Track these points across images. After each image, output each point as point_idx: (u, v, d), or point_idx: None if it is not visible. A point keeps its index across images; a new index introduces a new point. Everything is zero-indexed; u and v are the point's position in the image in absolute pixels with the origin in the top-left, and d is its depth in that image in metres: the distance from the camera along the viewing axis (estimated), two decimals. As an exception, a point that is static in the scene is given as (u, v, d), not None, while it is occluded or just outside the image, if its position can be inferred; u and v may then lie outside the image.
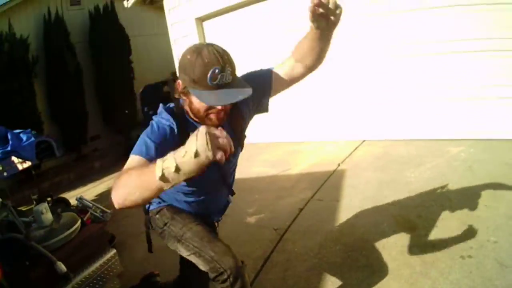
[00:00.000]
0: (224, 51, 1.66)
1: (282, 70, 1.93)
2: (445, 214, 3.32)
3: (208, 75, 1.58)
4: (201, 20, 7.59)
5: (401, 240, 3.04)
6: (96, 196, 6.61)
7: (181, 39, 7.84)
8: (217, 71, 1.58)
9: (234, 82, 1.65)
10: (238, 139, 1.95)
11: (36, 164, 7.49)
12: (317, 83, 5.76)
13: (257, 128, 7.03)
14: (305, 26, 1.67)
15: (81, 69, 10.09)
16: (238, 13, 7.09)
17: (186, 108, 1.83)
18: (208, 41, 7.47)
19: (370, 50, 5.72)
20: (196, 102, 1.71)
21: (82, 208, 4.75)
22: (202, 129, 1.14)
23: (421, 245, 2.91)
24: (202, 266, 1.96)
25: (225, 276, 1.86)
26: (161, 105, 1.89)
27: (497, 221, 3.02)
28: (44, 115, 9.36)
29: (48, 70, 9.46)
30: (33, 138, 6.51)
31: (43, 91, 9.43)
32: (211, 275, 1.92)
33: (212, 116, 1.73)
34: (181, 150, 1.18)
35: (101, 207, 4.92)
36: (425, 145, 5.17)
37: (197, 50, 1.62)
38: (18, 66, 8.52)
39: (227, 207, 2.34)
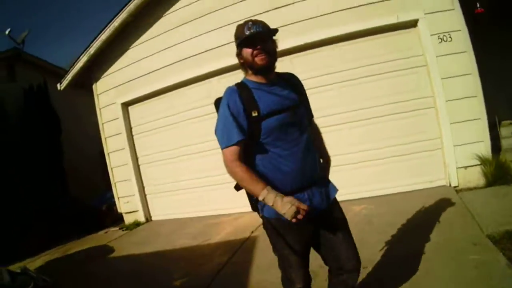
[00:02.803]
0: (261, 20, 2.22)
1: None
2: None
3: (245, 27, 2.13)
4: (126, 105, 7.92)
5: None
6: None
7: (109, 122, 8.10)
8: (250, 23, 2.14)
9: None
10: (300, 98, 2.29)
11: None
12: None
13: (179, 204, 7.23)
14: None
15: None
16: (160, 99, 7.55)
17: (245, 75, 2.28)
18: (133, 125, 7.95)
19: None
20: (244, 52, 2.18)
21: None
22: (291, 210, 1.90)
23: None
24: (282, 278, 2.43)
25: None
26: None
27: (389, 265, 3.50)
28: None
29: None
30: None
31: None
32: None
33: (257, 59, 2.12)
34: (278, 203, 1.93)
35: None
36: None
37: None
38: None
39: (325, 188, 2.33)
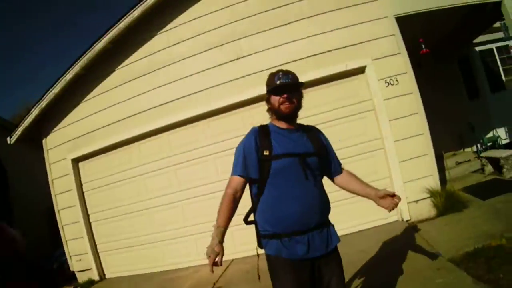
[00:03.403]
0: (291, 71, 2.41)
1: (336, 171, 2.64)
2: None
3: (275, 77, 2.35)
4: (76, 161, 7.70)
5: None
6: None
7: (59, 178, 7.81)
8: (281, 74, 2.35)
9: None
10: (316, 149, 2.40)
11: None
12: (183, 212, 6.48)
13: (134, 260, 7.00)
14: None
15: None
16: (112, 154, 7.41)
17: (270, 119, 2.48)
18: (83, 181, 7.72)
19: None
20: (272, 99, 2.38)
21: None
22: (207, 252, 2.07)
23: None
24: None
25: None
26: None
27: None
28: None
29: None
30: None
31: None
32: None
33: (282, 106, 2.33)
34: (211, 241, 2.10)
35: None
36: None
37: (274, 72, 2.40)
38: None
39: (327, 239, 2.36)
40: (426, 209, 5.68)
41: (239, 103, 6.22)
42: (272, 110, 2.41)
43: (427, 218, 5.62)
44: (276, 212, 2.26)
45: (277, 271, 2.29)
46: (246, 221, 2.45)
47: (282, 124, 2.40)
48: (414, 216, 5.73)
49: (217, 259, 2.06)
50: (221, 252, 2.08)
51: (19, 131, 7.92)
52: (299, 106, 2.41)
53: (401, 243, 4.63)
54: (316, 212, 2.30)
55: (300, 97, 2.41)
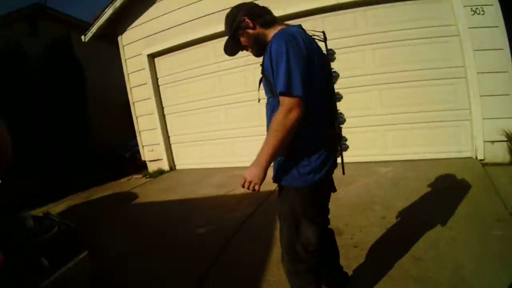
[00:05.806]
0: (229, 13, 2.34)
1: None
2: (368, 222, 3.76)
3: None
4: (152, 56, 7.93)
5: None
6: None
7: (135, 73, 8.15)
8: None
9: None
10: (262, 70, 2.18)
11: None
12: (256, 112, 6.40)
13: (204, 154, 7.32)
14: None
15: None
16: (187, 51, 7.55)
17: None
18: (159, 75, 7.99)
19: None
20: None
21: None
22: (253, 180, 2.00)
23: (345, 247, 3.22)
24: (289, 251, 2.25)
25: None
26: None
27: (412, 228, 3.46)
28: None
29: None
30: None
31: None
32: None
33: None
34: (259, 172, 1.99)
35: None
36: (355, 168, 5.47)
37: None
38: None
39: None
40: (501, 153, 5.37)
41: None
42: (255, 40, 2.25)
43: (501, 162, 5.30)
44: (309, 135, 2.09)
45: (314, 196, 2.19)
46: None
47: None
48: (488, 157, 5.46)
49: (256, 187, 1.99)
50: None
51: (93, 29, 8.17)
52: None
53: (467, 182, 4.41)
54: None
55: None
